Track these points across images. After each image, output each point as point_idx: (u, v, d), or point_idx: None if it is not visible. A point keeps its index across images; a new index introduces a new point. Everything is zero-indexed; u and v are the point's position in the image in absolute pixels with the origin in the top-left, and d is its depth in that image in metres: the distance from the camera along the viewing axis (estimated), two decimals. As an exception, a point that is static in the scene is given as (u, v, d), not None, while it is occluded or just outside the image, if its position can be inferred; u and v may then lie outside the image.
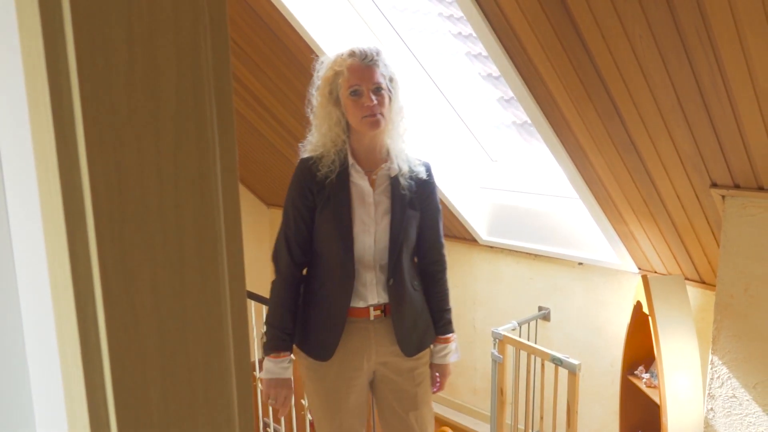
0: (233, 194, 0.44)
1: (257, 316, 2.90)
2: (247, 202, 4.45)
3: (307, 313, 1.73)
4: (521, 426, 2.72)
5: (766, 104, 1.58)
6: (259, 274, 4.52)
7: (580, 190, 2.38)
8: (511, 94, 3.04)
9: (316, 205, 1.68)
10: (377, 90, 1.62)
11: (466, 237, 3.18)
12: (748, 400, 2.03)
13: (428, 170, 1.78)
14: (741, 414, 2.05)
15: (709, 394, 2.12)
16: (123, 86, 0.39)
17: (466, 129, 3.00)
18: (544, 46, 1.82)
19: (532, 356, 2.45)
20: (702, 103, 1.69)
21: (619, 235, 2.49)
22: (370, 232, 1.68)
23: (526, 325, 2.88)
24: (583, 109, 1.97)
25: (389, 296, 1.71)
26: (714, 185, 1.97)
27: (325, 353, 1.70)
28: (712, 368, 2.09)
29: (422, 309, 1.79)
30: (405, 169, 1.71)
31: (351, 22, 2.63)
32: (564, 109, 2.03)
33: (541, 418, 2.49)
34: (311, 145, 1.72)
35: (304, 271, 1.77)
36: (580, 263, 2.80)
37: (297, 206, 1.69)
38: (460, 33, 3.72)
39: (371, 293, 1.71)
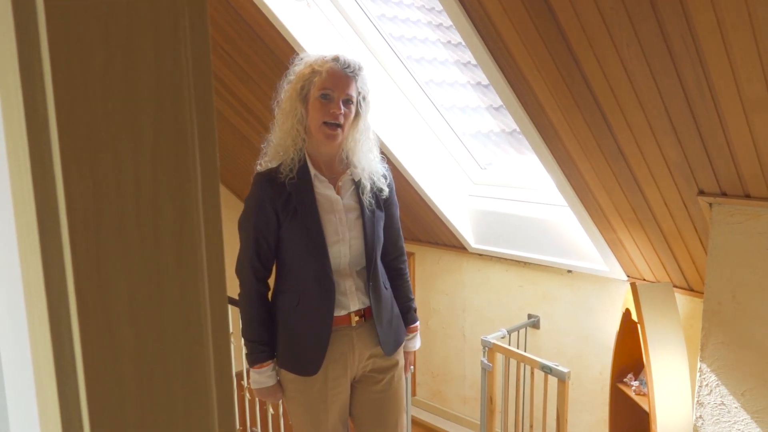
0: (214, 200, 0.43)
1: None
2: (232, 206, 4.42)
3: (288, 332, 1.70)
4: (511, 435, 2.71)
5: (752, 113, 1.59)
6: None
7: (569, 197, 2.38)
8: (500, 102, 3.05)
9: (281, 223, 1.64)
10: (347, 102, 1.62)
11: (455, 245, 3.18)
12: (736, 408, 2.03)
13: (387, 173, 1.79)
14: (729, 422, 2.05)
15: (697, 401, 2.12)
16: (99, 89, 0.38)
17: (455, 137, 3.00)
18: (531, 54, 1.82)
19: (522, 364, 2.44)
20: (689, 111, 1.70)
21: (607, 243, 2.50)
22: (345, 240, 1.67)
23: (516, 333, 2.88)
24: (571, 117, 1.98)
25: (370, 299, 1.72)
26: (701, 193, 1.99)
27: (312, 368, 1.68)
28: (700, 376, 2.10)
29: (393, 306, 1.82)
30: (368, 187, 1.71)
31: (342, 31, 2.63)
32: (552, 117, 2.04)
33: (531, 426, 2.48)
34: (272, 145, 1.68)
35: (272, 282, 1.76)
36: (570, 271, 2.80)
37: (259, 227, 1.64)
38: (449, 41, 3.74)
39: (352, 300, 1.70)
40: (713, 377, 2.06)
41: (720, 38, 1.44)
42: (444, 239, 3.19)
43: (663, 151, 1.90)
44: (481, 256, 3.12)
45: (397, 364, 1.83)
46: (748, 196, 1.90)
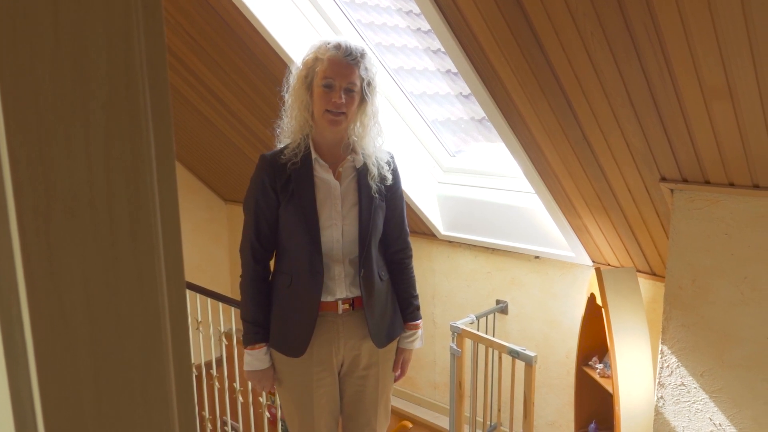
0: (170, 184, 0.43)
1: (213, 312, 2.85)
2: (205, 198, 4.37)
3: (280, 312, 1.72)
4: (480, 418, 2.75)
5: (711, 101, 1.63)
6: (218, 270, 4.45)
7: (536, 184, 2.41)
8: (469, 90, 3.06)
9: (280, 203, 1.67)
10: (349, 90, 1.62)
11: (425, 232, 3.19)
12: (695, 388, 2.10)
13: (392, 159, 1.78)
14: (689, 401, 2.12)
15: (659, 382, 2.19)
16: (48, 73, 0.37)
17: (424, 124, 3.01)
18: (498, 41, 1.84)
19: (490, 349, 2.48)
20: (651, 99, 1.74)
21: (573, 229, 2.54)
22: (338, 225, 1.68)
23: (485, 318, 2.91)
24: (538, 105, 2.00)
25: (361, 289, 1.71)
26: (663, 179, 2.03)
27: (297, 350, 1.70)
28: (661, 357, 2.16)
29: (388, 299, 1.80)
30: (374, 172, 1.71)
31: (309, 16, 2.60)
32: (519, 105, 2.06)
33: (499, 410, 2.52)
34: (283, 131, 1.72)
35: (272, 264, 1.77)
36: (537, 257, 2.84)
37: (259, 205, 1.68)
38: (419, 29, 3.73)
39: (339, 287, 1.70)
40: (674, 359, 2.13)
41: (681, 27, 1.47)
42: (413, 226, 3.21)
43: (626, 138, 1.94)
44: (451, 242, 3.15)
45: (383, 359, 1.81)
46: (707, 183, 1.95)
